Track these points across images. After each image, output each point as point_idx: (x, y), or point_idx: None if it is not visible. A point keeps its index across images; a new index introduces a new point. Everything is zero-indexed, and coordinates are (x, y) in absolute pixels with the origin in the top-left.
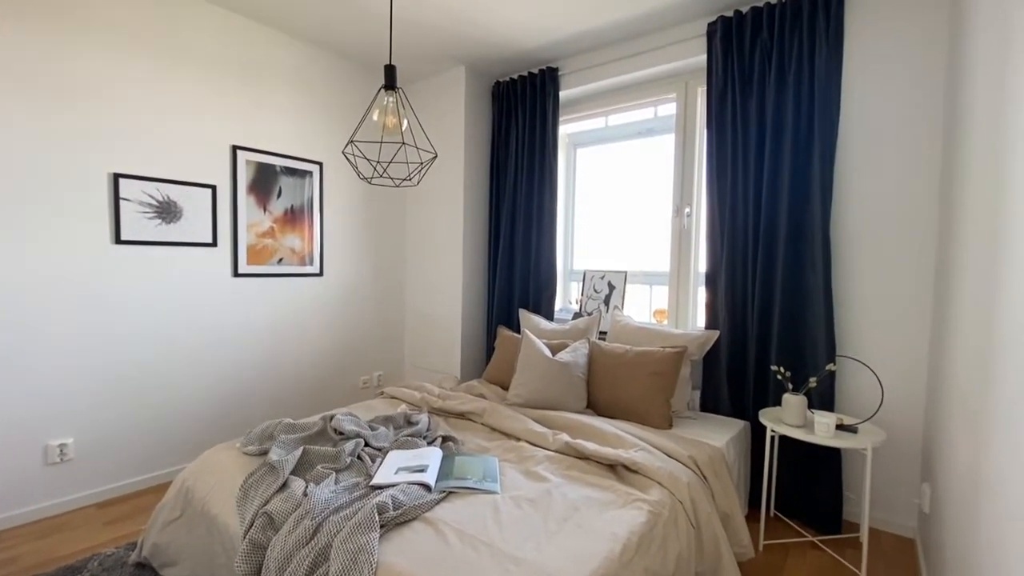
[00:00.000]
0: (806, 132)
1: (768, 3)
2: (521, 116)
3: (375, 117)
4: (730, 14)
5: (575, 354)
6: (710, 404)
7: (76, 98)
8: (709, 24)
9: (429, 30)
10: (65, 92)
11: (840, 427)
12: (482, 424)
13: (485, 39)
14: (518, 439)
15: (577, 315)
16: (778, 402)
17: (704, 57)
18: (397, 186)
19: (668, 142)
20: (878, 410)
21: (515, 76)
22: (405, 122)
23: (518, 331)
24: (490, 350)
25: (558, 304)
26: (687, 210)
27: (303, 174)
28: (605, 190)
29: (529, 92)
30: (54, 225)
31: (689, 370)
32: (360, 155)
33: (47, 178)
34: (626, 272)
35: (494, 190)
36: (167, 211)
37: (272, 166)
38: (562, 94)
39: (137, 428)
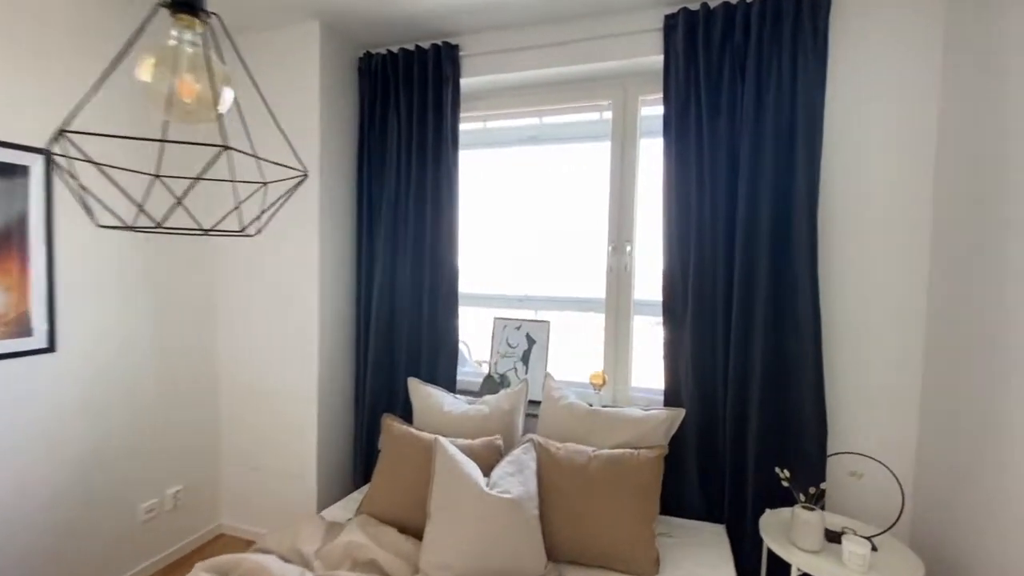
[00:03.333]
0: (786, 163)
1: (743, 0)
2: (405, 104)
3: (144, 75)
4: (695, 6)
5: (522, 477)
6: (673, 500)
7: None
8: (667, 17)
9: None
10: None
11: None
12: None
13: None
14: None
15: (488, 380)
16: (762, 496)
17: (655, 58)
18: (204, 234)
19: (554, 152)
20: (898, 519)
21: (394, 49)
22: (228, 94)
23: (408, 416)
24: (361, 441)
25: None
26: (628, 248)
27: (12, 172)
28: (492, 201)
29: (417, 72)
30: None
31: None
32: (81, 158)
33: None
34: (549, 322)
35: (364, 205)
36: None
37: None
38: (463, 82)
39: None
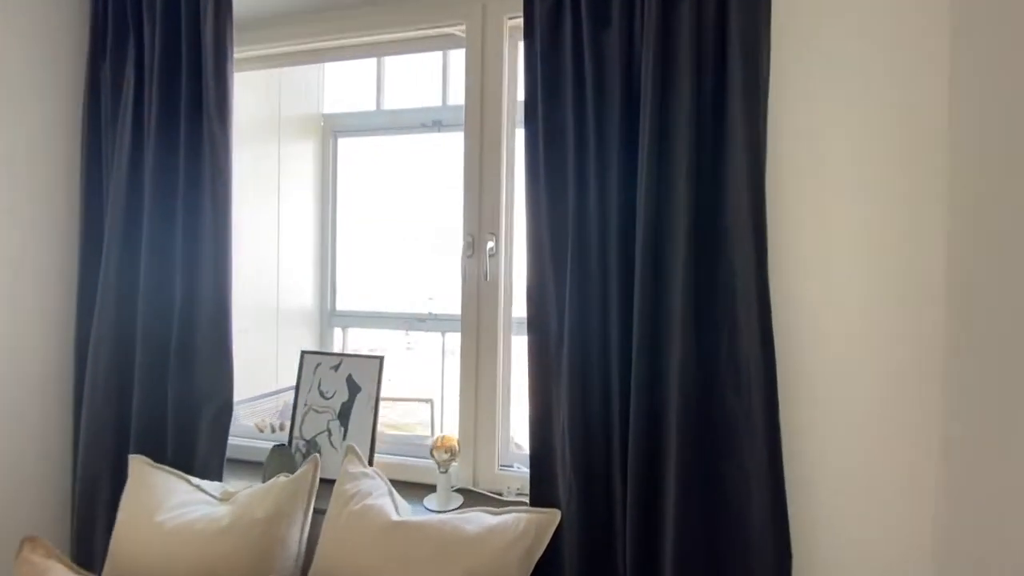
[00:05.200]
0: (712, 111)
1: None
2: (149, 32)
3: None
4: None
5: None
6: None
7: None
8: None
9: None
10: None
11: None
12: None
13: None
14: None
15: (277, 452)
16: None
17: None
18: None
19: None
20: None
21: None
22: None
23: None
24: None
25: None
26: (490, 245)
27: None
28: (382, 201)
29: None
30: None
31: None
32: None
33: None
34: (382, 358)
35: (90, 193)
36: None
37: None
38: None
39: None
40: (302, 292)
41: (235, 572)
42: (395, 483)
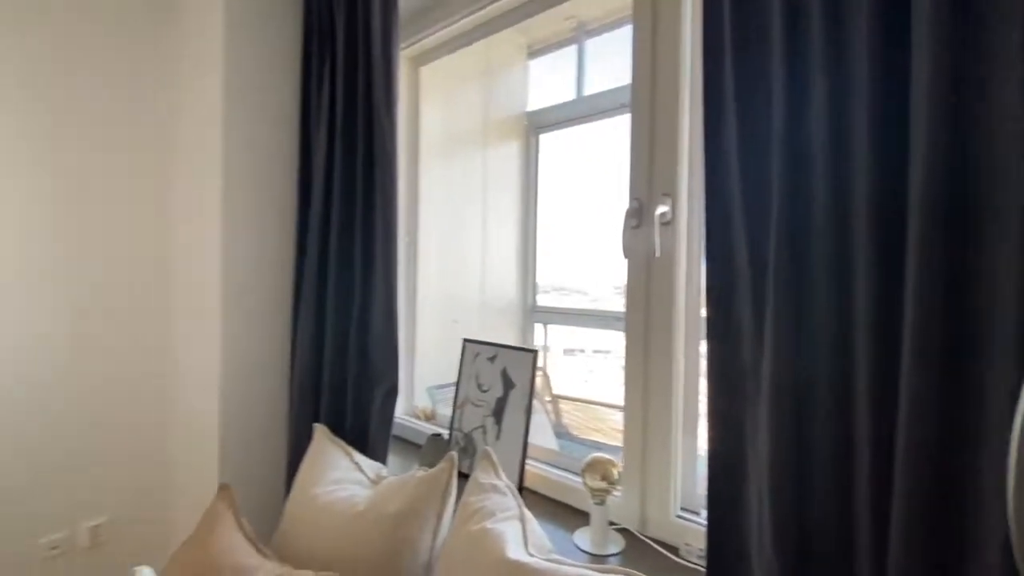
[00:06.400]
0: None
1: None
2: (342, 25)
3: None
4: None
5: None
6: None
7: None
8: None
9: None
10: None
11: None
12: None
13: None
14: None
15: (433, 441)
16: None
17: None
18: None
19: None
20: None
21: None
22: None
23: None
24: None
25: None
26: (662, 210)
27: None
28: (571, 192)
29: None
30: None
31: None
32: None
33: None
34: (536, 352)
35: (305, 181)
36: None
37: None
38: None
39: None
40: (506, 288)
41: (363, 564)
42: (551, 504)
